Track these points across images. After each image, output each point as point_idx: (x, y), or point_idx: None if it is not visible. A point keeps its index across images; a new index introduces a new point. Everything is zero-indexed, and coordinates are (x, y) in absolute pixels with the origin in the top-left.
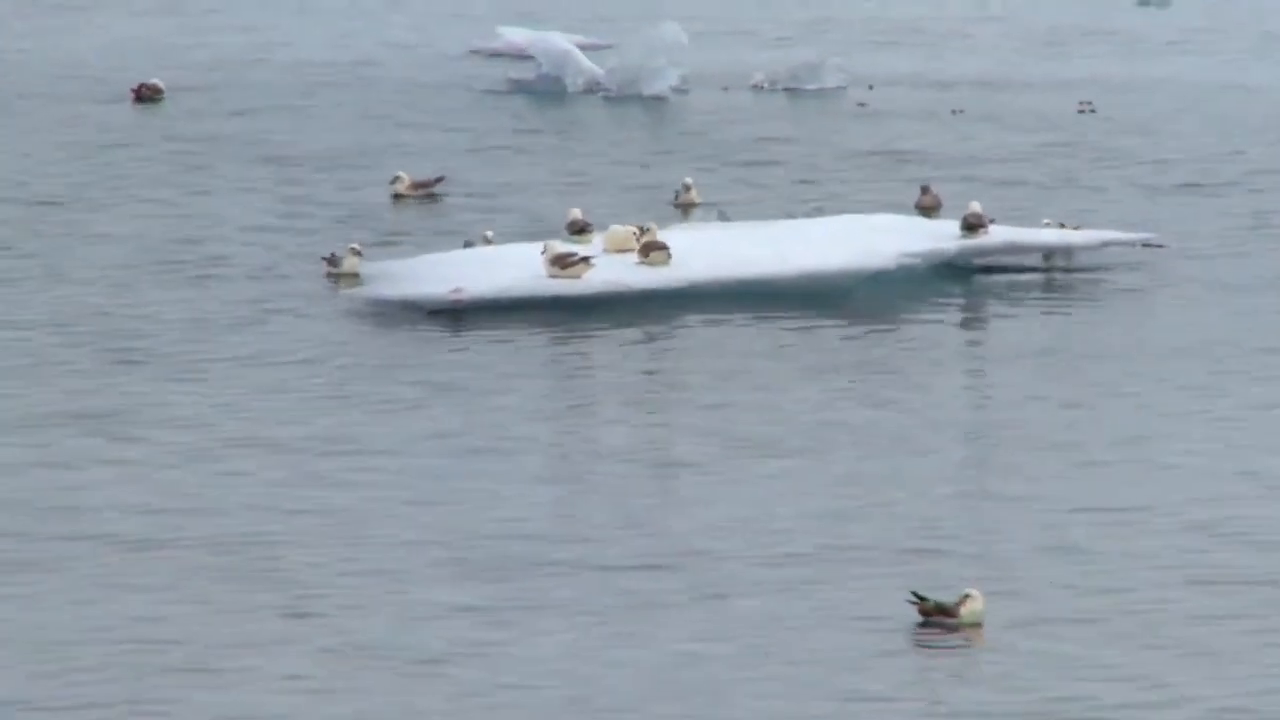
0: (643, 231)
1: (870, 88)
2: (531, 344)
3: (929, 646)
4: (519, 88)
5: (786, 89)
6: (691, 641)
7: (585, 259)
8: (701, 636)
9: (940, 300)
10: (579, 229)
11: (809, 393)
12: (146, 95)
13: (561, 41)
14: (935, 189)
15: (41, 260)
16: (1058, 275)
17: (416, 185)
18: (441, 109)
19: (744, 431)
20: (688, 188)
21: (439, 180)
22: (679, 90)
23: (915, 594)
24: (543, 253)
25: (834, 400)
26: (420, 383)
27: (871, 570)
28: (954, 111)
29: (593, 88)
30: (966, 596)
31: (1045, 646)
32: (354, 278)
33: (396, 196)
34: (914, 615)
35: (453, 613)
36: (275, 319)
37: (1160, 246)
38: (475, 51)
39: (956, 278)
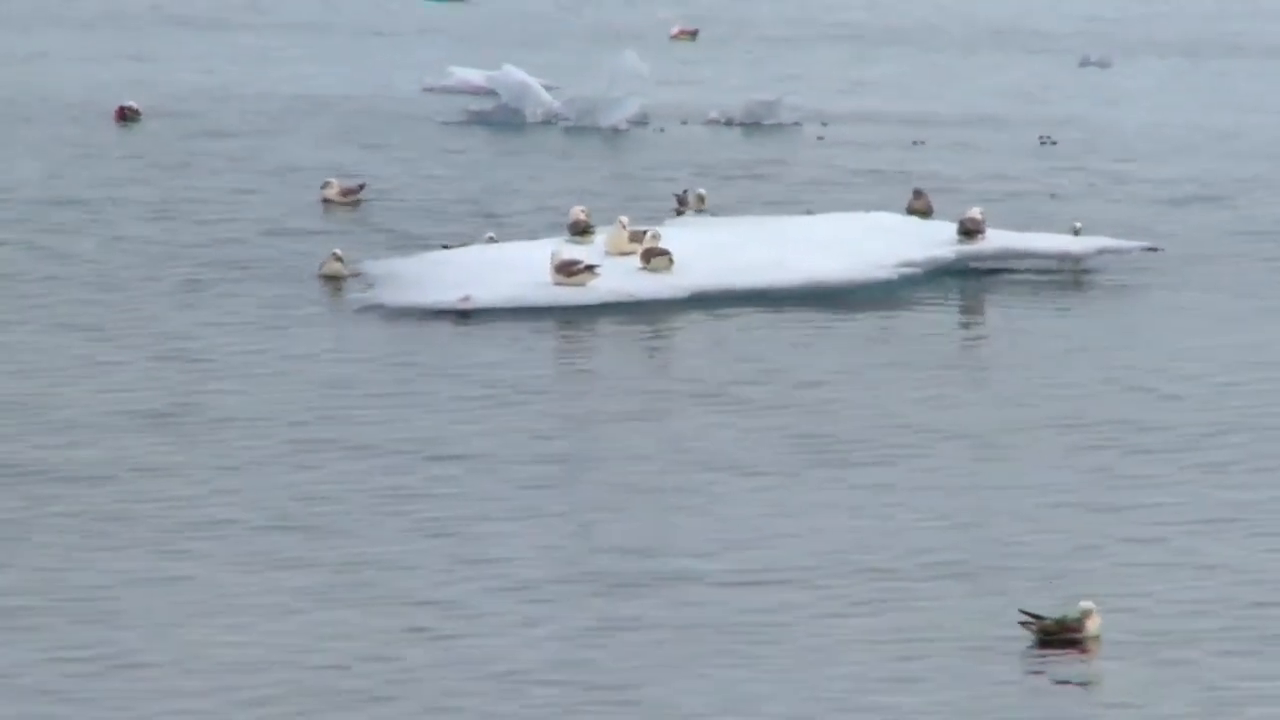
0: (643, 235)
1: (824, 124)
2: (563, 348)
3: (1049, 666)
4: (478, 119)
5: (742, 124)
6: (798, 668)
7: (590, 267)
8: (808, 661)
9: (949, 301)
10: (581, 229)
11: (846, 397)
12: (128, 116)
13: (519, 74)
14: (927, 193)
15: (52, 259)
16: (1067, 275)
17: (345, 192)
18: (399, 134)
19: (800, 438)
20: (701, 198)
21: (362, 187)
22: (637, 122)
23: (1027, 613)
24: (551, 259)
25: (882, 403)
26: (479, 384)
27: (966, 587)
28: (915, 142)
29: (551, 119)
30: (1087, 611)
31: (1168, 661)
32: (337, 280)
33: (326, 201)
34: (1016, 631)
35: (568, 629)
36: (287, 323)
37: (1158, 250)
38: (429, 89)
39: (959, 280)
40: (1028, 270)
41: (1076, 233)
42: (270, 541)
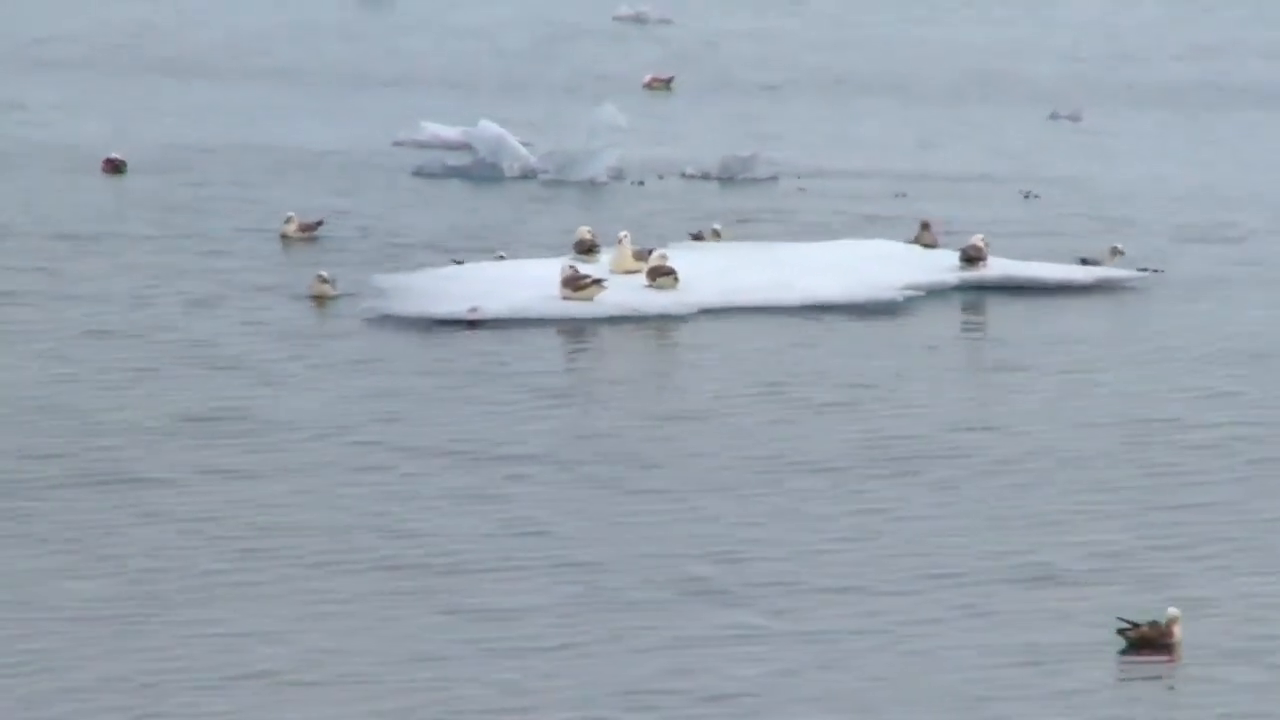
0: (647, 254)
1: (799, 178)
2: (587, 355)
3: (1138, 671)
4: (454, 172)
5: (719, 179)
6: (885, 680)
7: (597, 281)
8: (896, 671)
9: (961, 313)
10: (586, 248)
11: (897, 400)
12: (117, 168)
13: (494, 128)
14: (933, 225)
15: (64, 280)
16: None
17: (303, 227)
18: (371, 183)
19: (859, 442)
20: (717, 233)
21: (320, 223)
22: (615, 175)
23: (1125, 620)
24: (560, 273)
25: (928, 406)
26: (528, 389)
27: (1051, 591)
28: (897, 195)
29: (529, 173)
30: (1174, 617)
31: (1257, 664)
32: (322, 300)
33: (284, 237)
34: (1101, 635)
35: (673, 638)
36: (309, 335)
37: (1159, 271)
38: (400, 143)
39: (965, 295)
40: (1035, 291)
41: (1116, 252)
42: (354, 544)
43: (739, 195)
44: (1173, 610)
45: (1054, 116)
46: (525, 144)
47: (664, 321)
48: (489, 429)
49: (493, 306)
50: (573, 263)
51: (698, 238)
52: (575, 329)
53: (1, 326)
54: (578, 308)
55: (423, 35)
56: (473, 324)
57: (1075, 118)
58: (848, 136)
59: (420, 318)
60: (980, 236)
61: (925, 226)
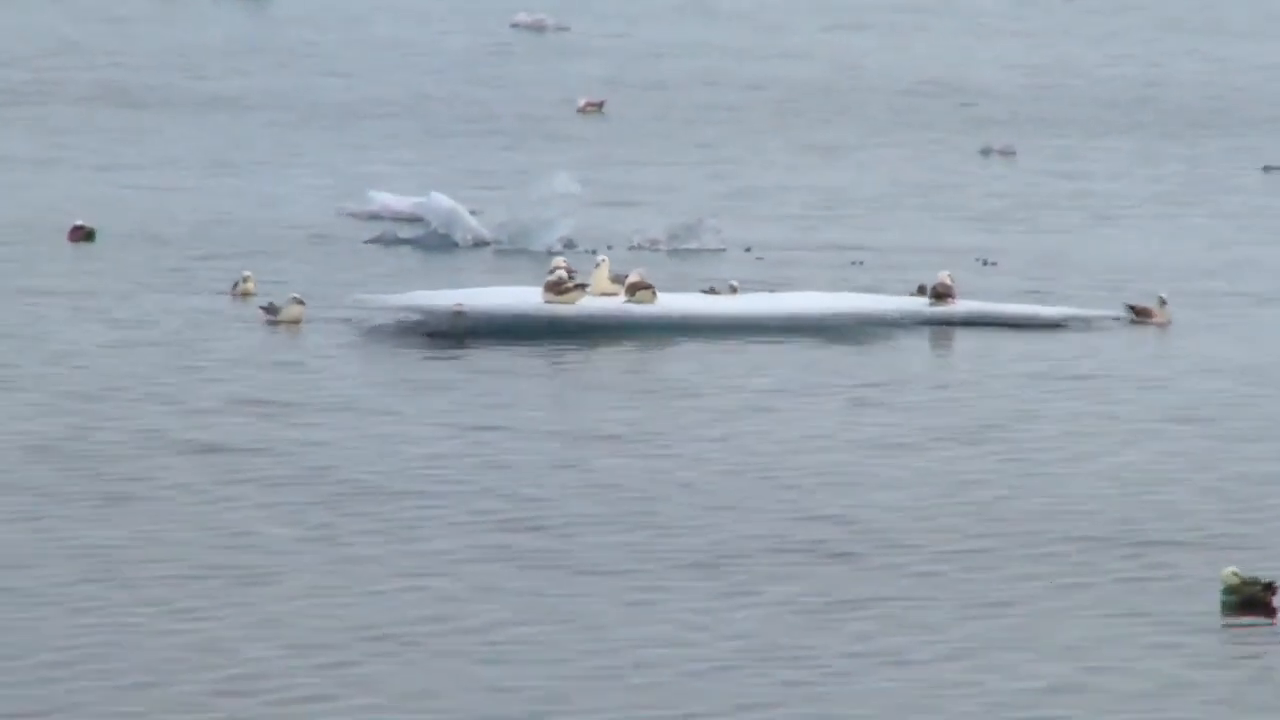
0: (623, 278)
1: (748, 249)
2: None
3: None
4: (408, 243)
5: (668, 249)
6: (1004, 647)
7: (580, 285)
8: (1008, 640)
9: (941, 333)
10: (559, 283)
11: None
12: (85, 236)
13: (446, 200)
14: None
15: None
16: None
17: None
18: (330, 255)
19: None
20: (734, 289)
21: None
22: (567, 244)
23: (1238, 575)
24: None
25: (979, 390)
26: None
27: (1149, 558)
28: (854, 262)
29: (481, 243)
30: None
31: None
32: (296, 324)
33: (245, 294)
34: (1203, 605)
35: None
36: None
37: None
38: (351, 214)
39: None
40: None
41: (1163, 302)
42: (450, 509)
43: (697, 264)
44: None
45: (986, 152)
46: (474, 211)
47: (644, 329)
48: (553, 418)
49: (476, 305)
50: (565, 264)
51: (710, 292)
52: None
53: None
54: (561, 310)
55: (330, 51)
56: (457, 327)
57: (1008, 152)
58: (784, 182)
59: (405, 310)
60: (947, 273)
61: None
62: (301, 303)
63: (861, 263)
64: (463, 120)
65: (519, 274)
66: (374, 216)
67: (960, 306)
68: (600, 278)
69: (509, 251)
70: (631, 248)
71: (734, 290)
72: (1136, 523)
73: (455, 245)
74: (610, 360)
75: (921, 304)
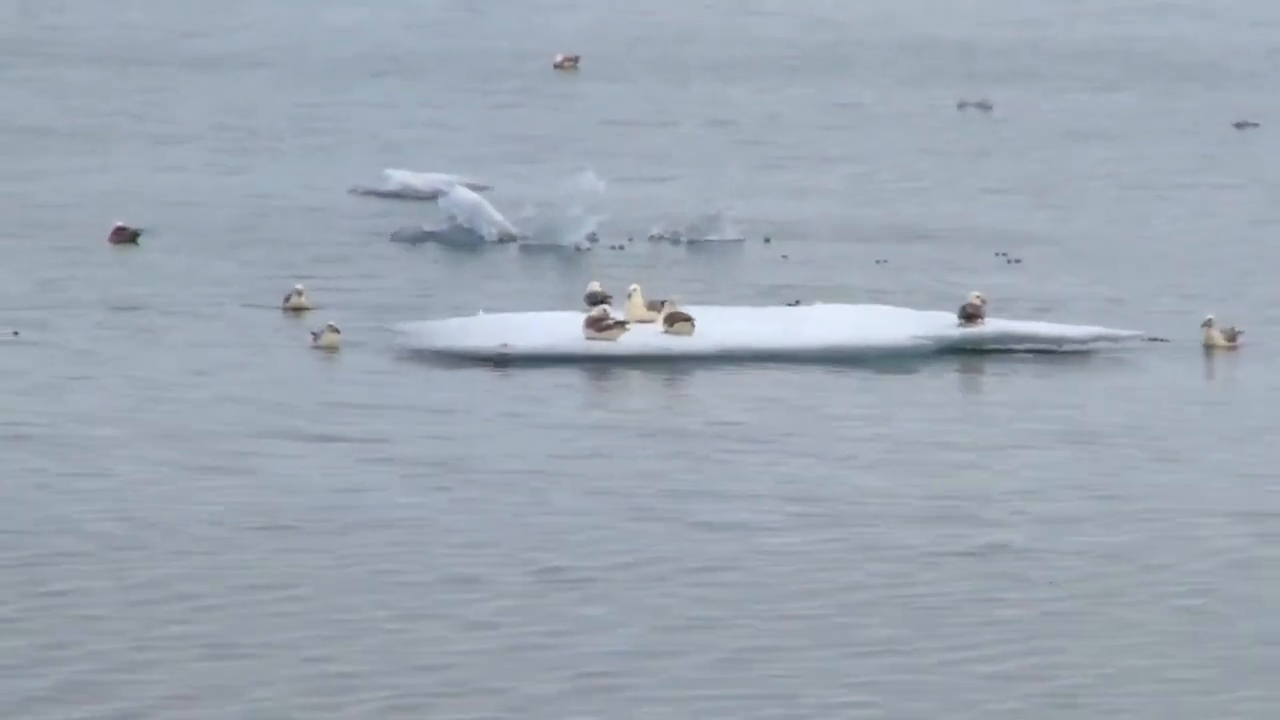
0: (660, 304)
1: (767, 240)
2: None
3: None
4: (431, 237)
5: (689, 241)
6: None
7: (620, 323)
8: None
9: (981, 360)
10: (597, 300)
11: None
12: (126, 238)
13: (470, 195)
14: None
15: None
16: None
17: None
18: (354, 250)
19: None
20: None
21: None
22: (592, 239)
23: None
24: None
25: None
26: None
27: None
28: (878, 261)
29: (507, 238)
30: None
31: None
32: (335, 350)
33: (297, 309)
34: None
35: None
36: (365, 375)
37: (1164, 341)
38: (367, 192)
39: (959, 355)
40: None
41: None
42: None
43: (722, 261)
44: None
45: (962, 106)
46: (484, 188)
47: (686, 362)
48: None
49: (521, 344)
50: (601, 288)
51: (796, 304)
52: (601, 368)
53: None
54: (602, 348)
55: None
56: (501, 361)
57: (985, 106)
58: (786, 145)
59: (449, 353)
60: (976, 294)
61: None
62: (337, 331)
63: (886, 261)
64: (446, 77)
65: (546, 272)
66: (393, 196)
67: (989, 328)
68: (635, 305)
69: (535, 247)
70: (651, 238)
71: (797, 303)
72: None
73: (481, 239)
74: (653, 396)
75: (951, 323)
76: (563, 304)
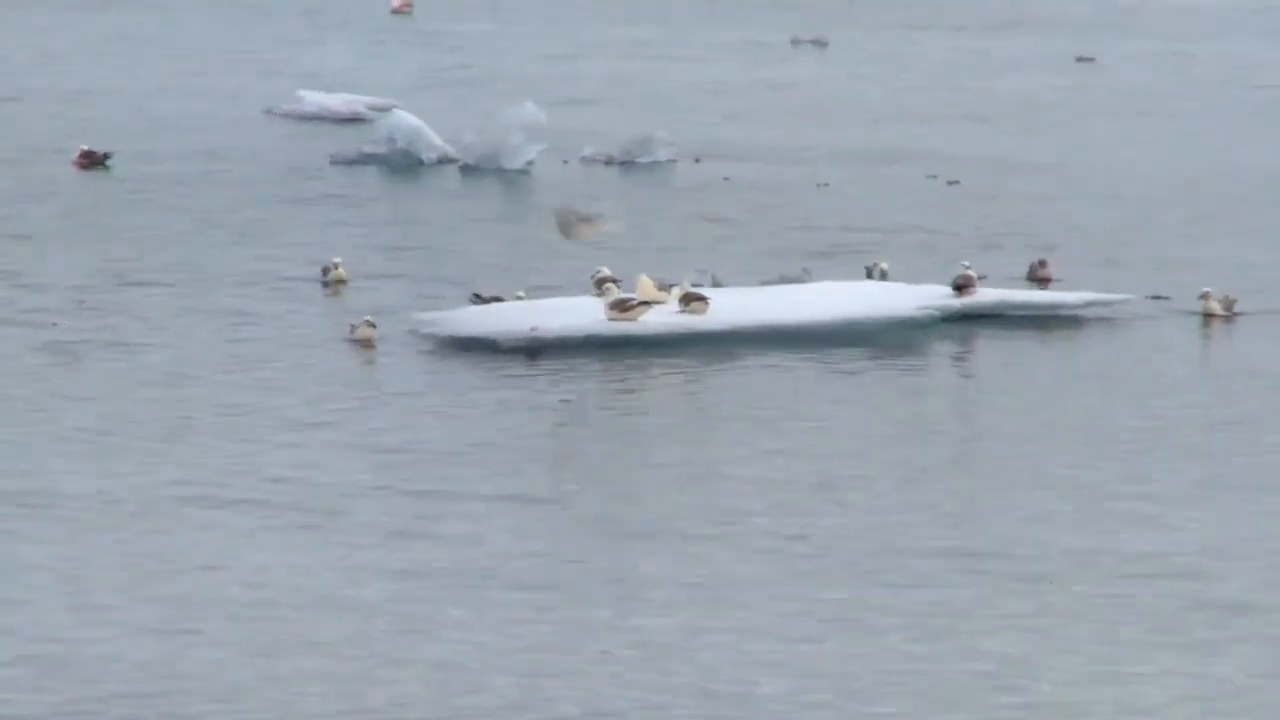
0: (669, 286)
1: (697, 160)
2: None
3: None
4: (373, 160)
5: (621, 162)
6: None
7: (644, 303)
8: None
9: (992, 328)
10: (606, 283)
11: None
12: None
13: (411, 118)
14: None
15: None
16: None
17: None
18: (304, 182)
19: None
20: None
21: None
22: (530, 163)
23: None
24: (601, 296)
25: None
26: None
27: None
28: (819, 185)
29: (446, 161)
30: None
31: None
32: (369, 344)
33: (337, 281)
34: None
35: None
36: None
37: (1164, 299)
38: (285, 114)
39: (960, 324)
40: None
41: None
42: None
43: (644, 177)
44: None
45: (795, 43)
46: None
47: (711, 339)
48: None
49: (550, 327)
50: (609, 273)
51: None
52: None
53: None
54: (629, 329)
55: None
56: (532, 351)
57: (821, 43)
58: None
59: (481, 339)
60: (967, 264)
61: (1043, 264)
62: (373, 325)
63: (828, 185)
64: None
65: (486, 193)
66: (308, 118)
67: (987, 297)
68: (646, 286)
69: (475, 169)
70: (584, 159)
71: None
72: None
73: (420, 163)
74: (681, 378)
75: (946, 294)
76: (514, 225)
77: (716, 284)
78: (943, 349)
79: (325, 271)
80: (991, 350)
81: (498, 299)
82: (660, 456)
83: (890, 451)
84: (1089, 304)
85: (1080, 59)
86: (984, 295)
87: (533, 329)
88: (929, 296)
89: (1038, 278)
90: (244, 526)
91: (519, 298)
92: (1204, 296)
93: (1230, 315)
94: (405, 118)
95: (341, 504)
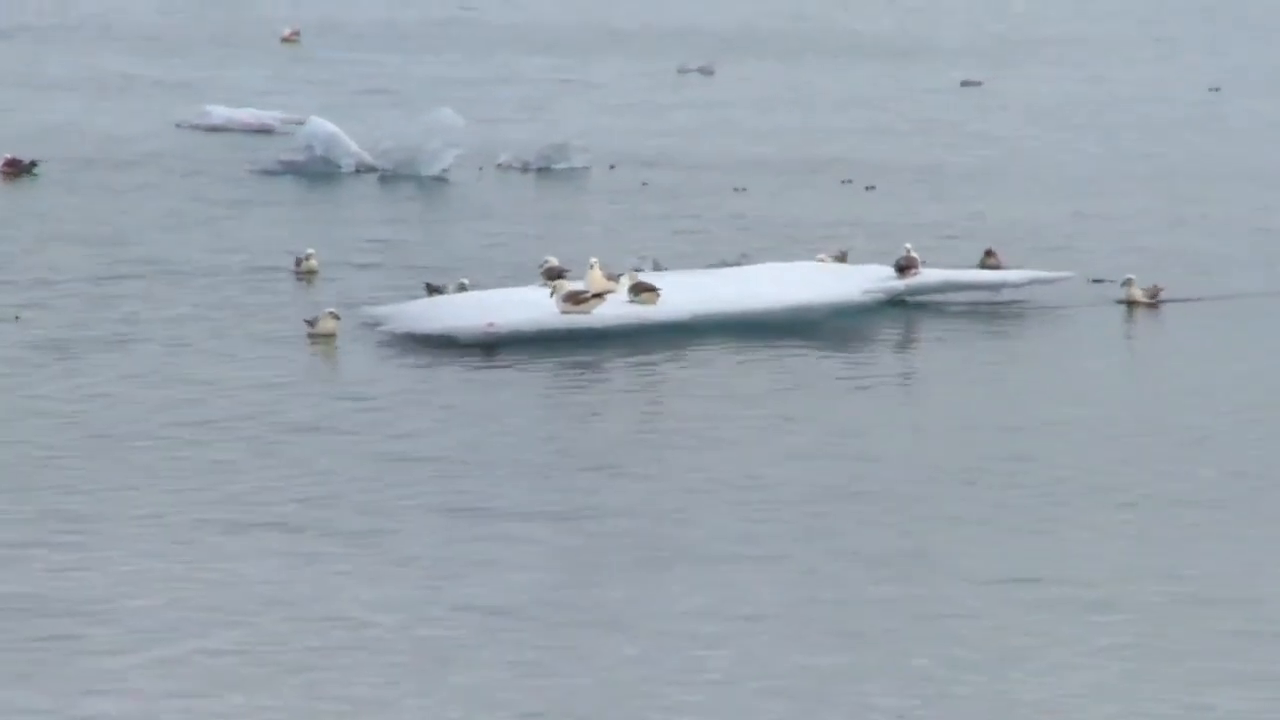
0: (617, 277)
1: (612, 167)
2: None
3: None
4: (291, 169)
5: (537, 169)
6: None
7: (597, 295)
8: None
9: (939, 310)
10: (555, 274)
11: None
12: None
13: (328, 125)
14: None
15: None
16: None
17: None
18: (224, 187)
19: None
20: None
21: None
22: (446, 170)
23: None
24: (551, 294)
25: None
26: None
27: None
28: (736, 189)
29: (364, 169)
30: None
31: None
32: (330, 338)
33: (309, 272)
34: None
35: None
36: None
37: (1101, 281)
38: (194, 126)
39: (902, 309)
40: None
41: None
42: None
43: (561, 183)
44: None
45: (683, 70)
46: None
47: (663, 330)
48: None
49: (506, 321)
50: (557, 263)
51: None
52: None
53: None
54: (582, 320)
55: None
56: (489, 338)
57: (707, 71)
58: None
59: (437, 335)
60: (909, 245)
61: (989, 254)
62: (337, 317)
63: (745, 189)
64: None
65: (403, 199)
66: (217, 129)
67: (931, 277)
68: (596, 277)
69: (393, 177)
70: (499, 166)
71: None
72: None
73: (339, 170)
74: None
75: (889, 275)
76: (442, 226)
77: (659, 268)
78: (887, 336)
79: (298, 262)
80: (932, 337)
81: (462, 287)
82: (623, 455)
83: (837, 446)
84: (1031, 281)
85: (966, 83)
86: (928, 275)
87: (489, 325)
88: (873, 278)
89: (986, 267)
90: (202, 534)
91: (463, 285)
92: (1127, 284)
93: (1154, 303)
94: (322, 125)
95: (306, 511)
